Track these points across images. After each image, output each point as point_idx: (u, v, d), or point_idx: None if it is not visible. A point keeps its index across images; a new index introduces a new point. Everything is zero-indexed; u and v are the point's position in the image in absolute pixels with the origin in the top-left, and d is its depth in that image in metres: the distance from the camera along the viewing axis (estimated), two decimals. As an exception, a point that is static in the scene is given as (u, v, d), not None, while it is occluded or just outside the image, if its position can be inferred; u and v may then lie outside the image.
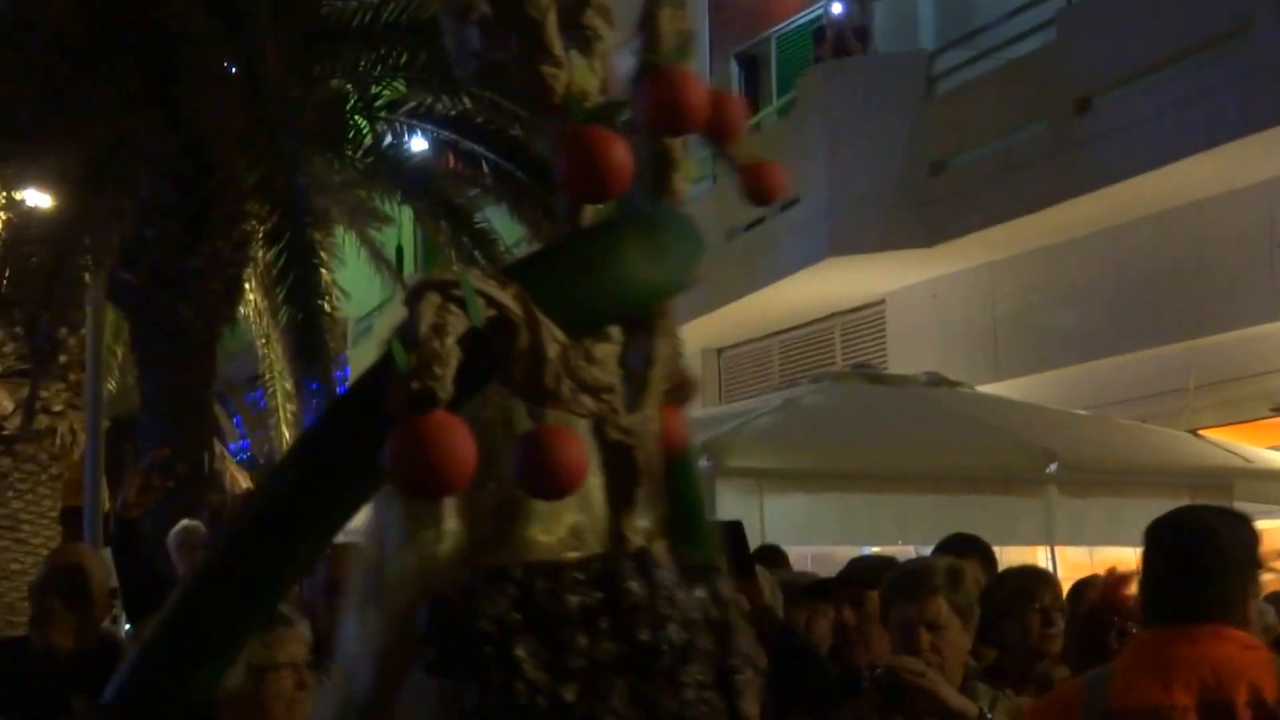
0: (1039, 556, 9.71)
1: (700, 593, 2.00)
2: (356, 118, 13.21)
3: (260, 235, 11.86)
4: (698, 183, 20.32)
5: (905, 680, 4.71)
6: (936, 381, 11.18)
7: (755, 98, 20.06)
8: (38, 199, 12.04)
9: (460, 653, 1.87)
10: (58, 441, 14.90)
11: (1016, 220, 13.95)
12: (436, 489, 1.71)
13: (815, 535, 9.62)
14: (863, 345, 16.95)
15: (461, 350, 1.74)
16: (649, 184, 2.07)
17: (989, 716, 4.73)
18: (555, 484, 1.82)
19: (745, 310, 17.11)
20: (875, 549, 10.48)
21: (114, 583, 6.44)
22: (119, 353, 14.40)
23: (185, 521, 7.76)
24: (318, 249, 11.92)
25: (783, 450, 9.54)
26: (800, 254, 15.82)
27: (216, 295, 12.00)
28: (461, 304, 1.73)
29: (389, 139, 13.25)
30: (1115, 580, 5.45)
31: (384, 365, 1.78)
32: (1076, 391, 13.63)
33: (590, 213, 2.00)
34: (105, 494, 12.37)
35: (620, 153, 1.89)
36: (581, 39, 1.99)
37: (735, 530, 5.65)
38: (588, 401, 1.87)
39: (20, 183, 11.90)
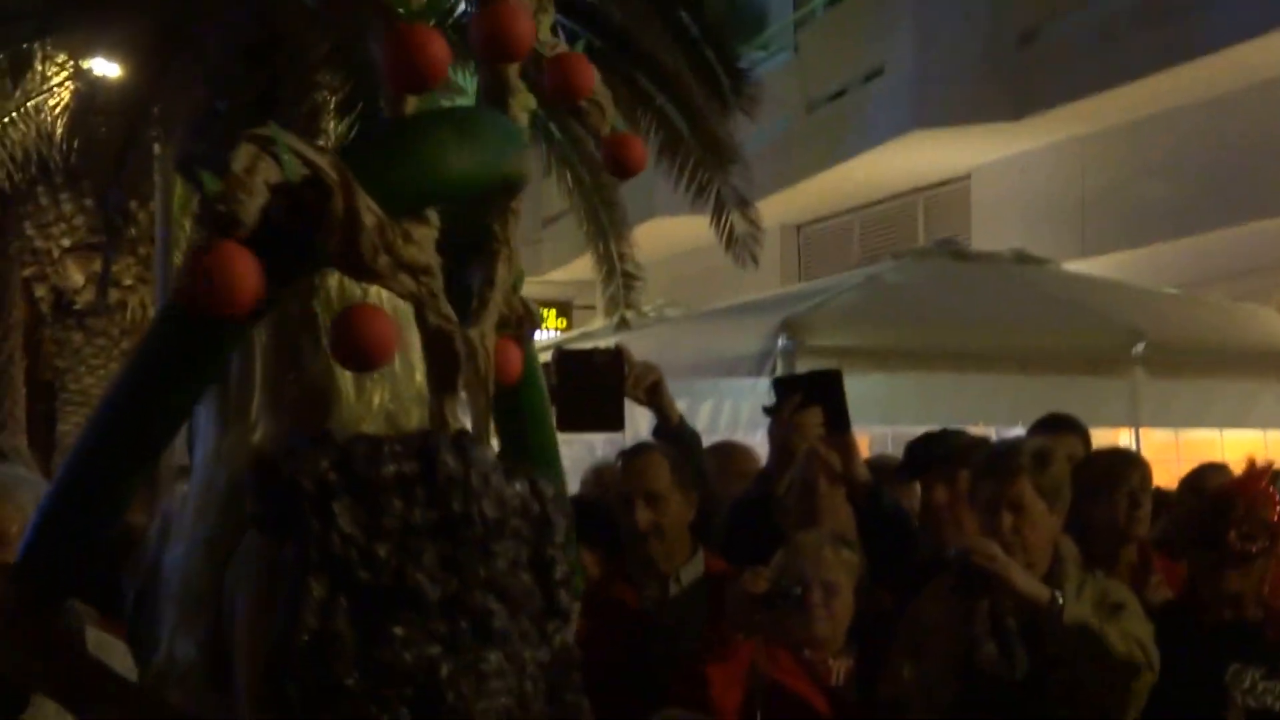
0: (1122, 438, 9.51)
1: (520, 486, 2.14)
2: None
3: (332, 106, 11.66)
4: (778, 54, 20.05)
5: (975, 563, 4.60)
6: (1022, 259, 10.95)
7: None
8: (106, 68, 11.86)
9: (282, 508, 2.03)
10: (129, 316, 14.86)
11: (1110, 91, 13.54)
12: (219, 307, 1.87)
13: (896, 415, 9.44)
14: (947, 221, 16.62)
15: (284, 220, 1.93)
16: (489, 105, 2.29)
17: (1061, 602, 4.60)
18: (362, 356, 2.00)
19: (825, 185, 16.84)
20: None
21: (182, 460, 6.29)
22: (188, 226, 14.34)
23: None
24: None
25: (864, 328, 9.36)
26: (884, 126, 15.49)
27: (288, 167, 11.85)
28: (276, 157, 1.90)
29: (463, 6, 12.96)
30: (1258, 472, 5.22)
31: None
32: (1167, 269, 13.32)
33: (411, 104, 2.19)
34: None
35: (438, 48, 2.06)
36: None
37: (833, 380, 5.54)
38: (406, 281, 2.03)
39: (88, 51, 11.71)
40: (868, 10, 16.61)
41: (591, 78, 2.50)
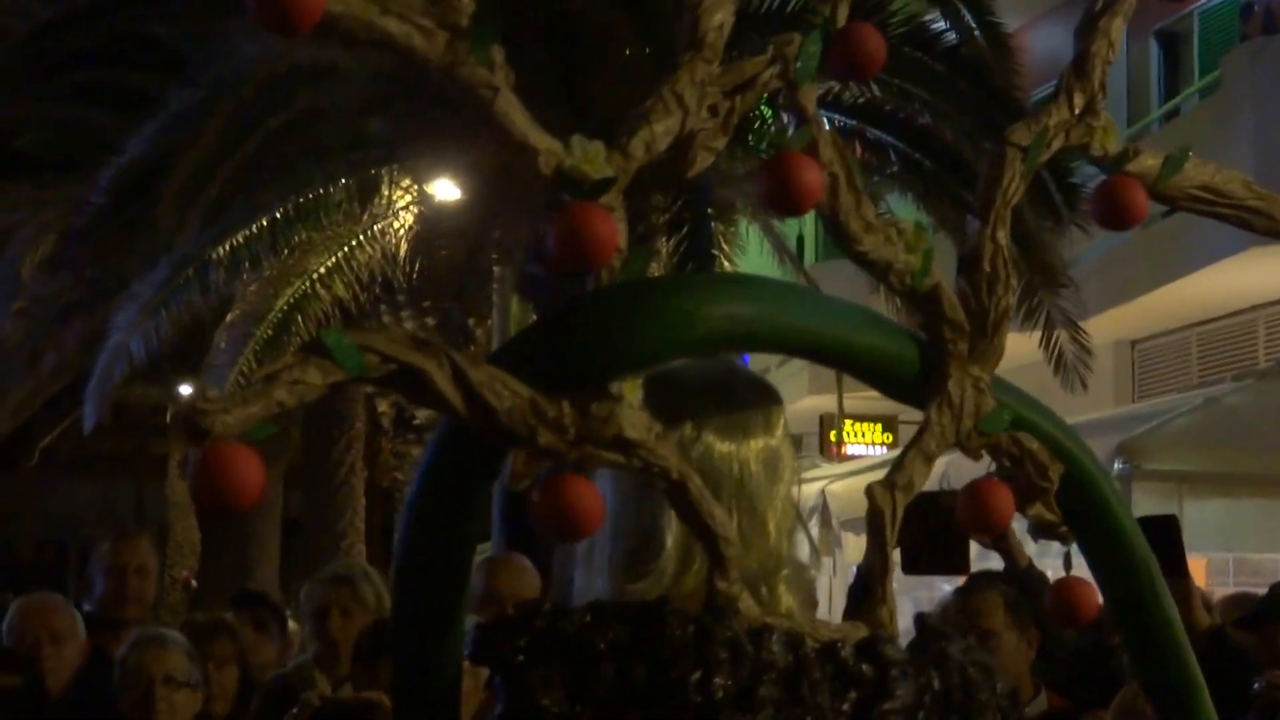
0: None
1: (844, 652, 2.04)
2: (761, 107, 13.09)
3: (661, 225, 11.84)
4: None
5: (1274, 696, 4.65)
6: (1365, 379, 10.58)
7: (1175, 78, 19.36)
8: (448, 193, 12.26)
9: (494, 675, 2.07)
10: (467, 429, 15.25)
11: None
12: (218, 508, 1.87)
13: (1237, 541, 9.20)
14: (1288, 339, 16.19)
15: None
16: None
17: None
18: (561, 528, 1.96)
19: (1161, 301, 16.51)
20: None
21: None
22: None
23: None
24: (719, 240, 11.86)
25: (1204, 452, 9.15)
26: (1221, 243, 15.11)
27: (621, 288, 12.04)
28: (331, 357, 1.88)
29: (794, 128, 13.03)
30: None
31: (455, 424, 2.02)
32: None
33: (607, 276, 2.07)
34: (510, 481, 12.61)
35: (605, 228, 1.96)
36: (629, 122, 2.05)
37: (1169, 525, 5.40)
38: (604, 454, 1.98)
39: (431, 177, 12.14)
40: (1204, 124, 16.31)
41: None
